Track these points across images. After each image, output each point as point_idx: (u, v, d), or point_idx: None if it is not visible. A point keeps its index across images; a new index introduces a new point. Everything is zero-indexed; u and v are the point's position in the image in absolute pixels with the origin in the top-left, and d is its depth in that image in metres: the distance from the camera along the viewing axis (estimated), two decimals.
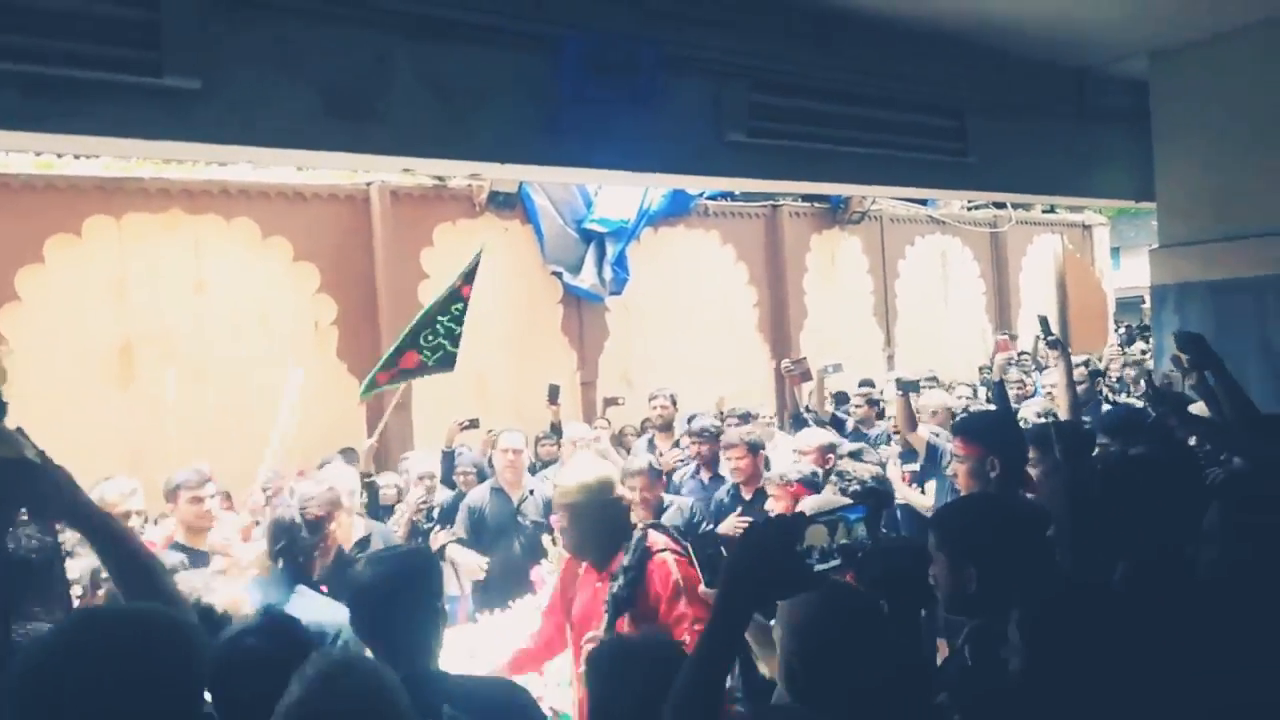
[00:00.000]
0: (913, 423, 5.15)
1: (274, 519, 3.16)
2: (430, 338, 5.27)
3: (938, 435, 5.02)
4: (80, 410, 6.25)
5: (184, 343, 6.63)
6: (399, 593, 2.13)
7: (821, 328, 10.50)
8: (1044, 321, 5.06)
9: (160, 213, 6.66)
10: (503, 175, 5.85)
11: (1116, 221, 15.87)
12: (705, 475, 5.51)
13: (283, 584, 2.91)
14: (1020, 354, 10.94)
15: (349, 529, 3.92)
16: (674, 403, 7.23)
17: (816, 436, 4.80)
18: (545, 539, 4.50)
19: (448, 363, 5.34)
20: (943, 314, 11.96)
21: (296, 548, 3.00)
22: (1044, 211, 13.55)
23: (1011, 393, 7.30)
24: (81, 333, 6.36)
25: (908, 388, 5.29)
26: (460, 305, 5.37)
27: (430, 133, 3.50)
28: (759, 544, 1.49)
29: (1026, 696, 1.71)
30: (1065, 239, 13.58)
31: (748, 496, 4.64)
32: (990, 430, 3.26)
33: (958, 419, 5.27)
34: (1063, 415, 4.44)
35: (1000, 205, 12.44)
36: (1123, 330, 14.90)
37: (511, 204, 8.04)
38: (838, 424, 6.82)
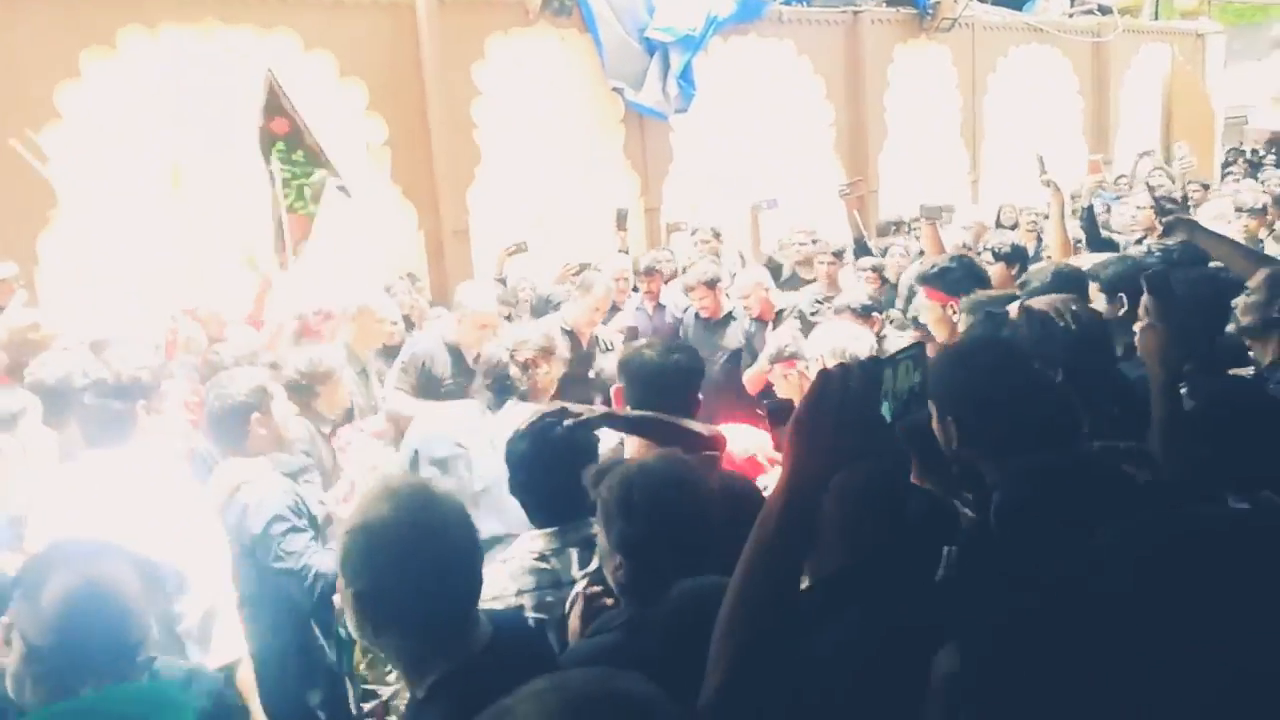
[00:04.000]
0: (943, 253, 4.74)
1: (485, 358, 3.56)
2: (293, 195, 4.60)
3: None
4: (135, 231, 6.06)
5: (233, 163, 6.34)
6: (555, 467, 2.30)
7: (902, 149, 9.78)
8: (1040, 160, 5.19)
9: (194, 23, 6.24)
10: None
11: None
12: (649, 305, 5.79)
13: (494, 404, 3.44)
14: (1119, 178, 10.17)
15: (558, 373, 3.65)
16: (717, 236, 7.06)
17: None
18: None
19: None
20: (1035, 135, 11.06)
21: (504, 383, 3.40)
22: (1153, 18, 12.27)
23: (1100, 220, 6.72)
24: (129, 152, 6.08)
25: (931, 214, 4.90)
26: (283, 146, 4.54)
27: None
28: (842, 393, 1.20)
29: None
30: (1175, 49, 12.33)
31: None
32: (950, 274, 3.31)
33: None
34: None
35: (1105, 10, 11.26)
36: (1237, 162, 13.79)
37: (567, 10, 7.40)
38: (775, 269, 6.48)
